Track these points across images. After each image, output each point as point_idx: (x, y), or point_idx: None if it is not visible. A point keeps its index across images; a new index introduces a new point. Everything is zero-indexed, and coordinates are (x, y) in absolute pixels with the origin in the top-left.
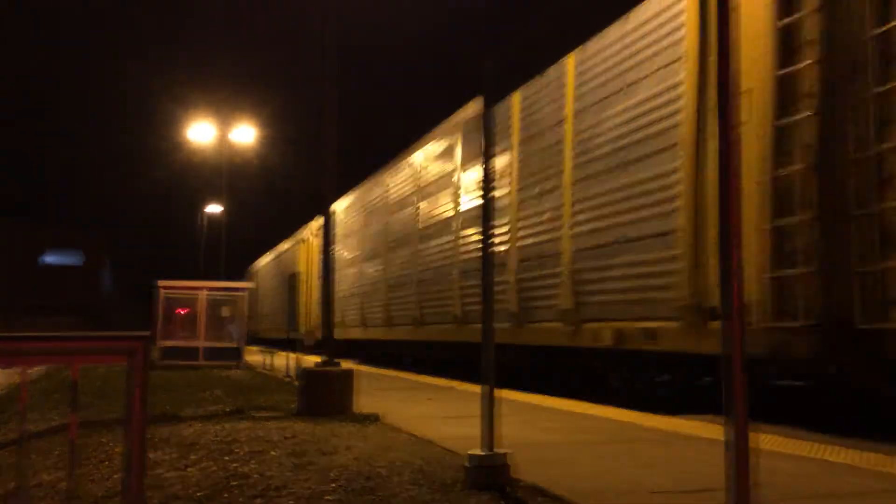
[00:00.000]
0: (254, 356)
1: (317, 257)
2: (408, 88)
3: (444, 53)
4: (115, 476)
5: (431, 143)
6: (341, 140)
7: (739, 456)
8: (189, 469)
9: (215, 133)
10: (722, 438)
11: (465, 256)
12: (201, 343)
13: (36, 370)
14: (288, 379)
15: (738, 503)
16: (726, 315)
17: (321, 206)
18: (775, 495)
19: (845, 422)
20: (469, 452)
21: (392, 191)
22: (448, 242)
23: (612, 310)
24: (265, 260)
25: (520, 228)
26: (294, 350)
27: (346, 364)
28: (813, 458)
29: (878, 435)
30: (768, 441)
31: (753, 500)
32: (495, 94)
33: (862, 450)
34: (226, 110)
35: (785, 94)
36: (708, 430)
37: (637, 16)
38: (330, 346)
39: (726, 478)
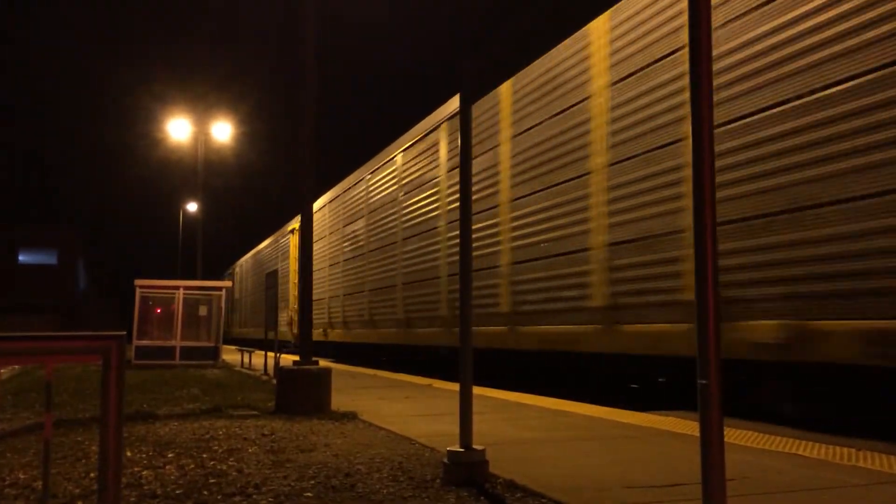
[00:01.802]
0: (232, 355)
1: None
2: (392, 83)
3: (427, 49)
4: (92, 475)
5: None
6: (322, 137)
7: (713, 451)
8: (166, 467)
9: (192, 130)
10: (695, 434)
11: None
12: (178, 342)
13: (10, 369)
14: (266, 377)
15: (711, 498)
16: (701, 313)
17: (300, 205)
18: (747, 490)
19: (818, 418)
20: (448, 449)
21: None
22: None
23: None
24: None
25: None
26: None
27: (323, 363)
28: (785, 452)
29: (851, 430)
30: (739, 436)
31: (726, 494)
32: (475, 93)
33: (834, 444)
34: (202, 107)
35: None
36: (681, 425)
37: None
38: (307, 345)
39: (702, 473)
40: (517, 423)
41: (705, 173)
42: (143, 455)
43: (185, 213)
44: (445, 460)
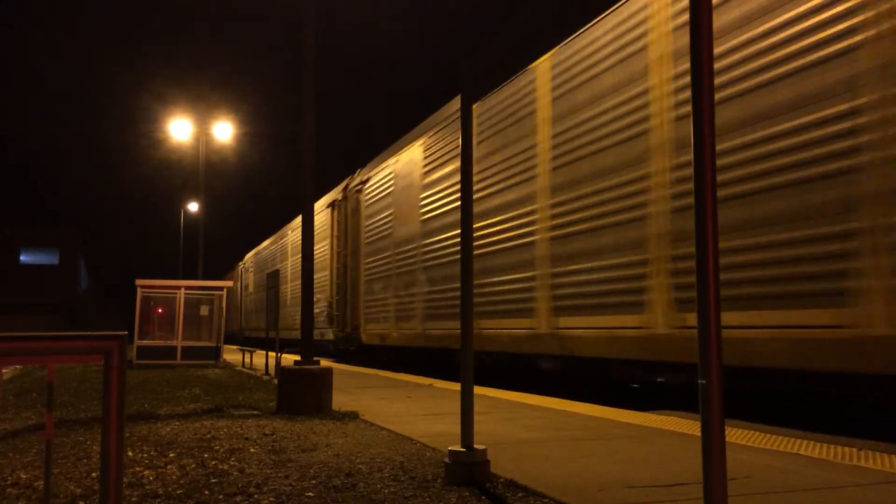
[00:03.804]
0: (233, 354)
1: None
2: (393, 80)
3: (430, 47)
4: (93, 474)
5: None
6: (324, 136)
7: (715, 450)
8: (168, 467)
9: (193, 130)
10: (696, 433)
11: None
12: (179, 342)
13: (11, 369)
14: (267, 377)
15: (712, 497)
16: (701, 313)
17: (301, 205)
18: (748, 489)
19: (819, 418)
20: (449, 449)
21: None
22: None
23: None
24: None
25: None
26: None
27: (324, 362)
28: (786, 452)
29: (851, 429)
30: (740, 436)
31: (727, 494)
32: (475, 93)
33: (835, 444)
34: (204, 107)
35: None
36: (681, 425)
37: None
38: (307, 344)
39: (703, 472)
40: (518, 423)
41: (706, 173)
42: (145, 455)
43: (187, 213)
44: (447, 460)
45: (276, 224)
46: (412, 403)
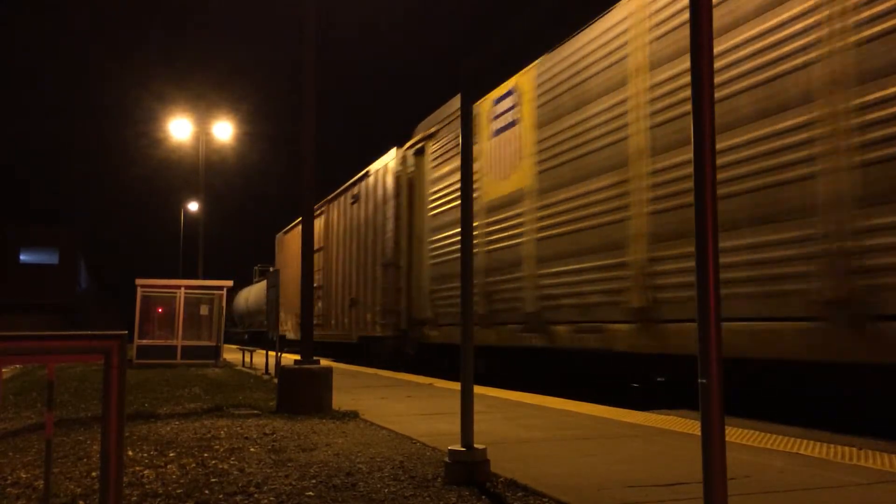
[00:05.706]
0: (233, 354)
1: None
2: (393, 80)
3: (431, 46)
4: (93, 474)
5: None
6: (324, 136)
7: (715, 450)
8: (168, 466)
9: (193, 130)
10: (696, 433)
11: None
12: (179, 342)
13: (11, 369)
14: (267, 377)
15: (712, 496)
16: (701, 313)
17: (300, 205)
18: (748, 489)
19: (819, 416)
20: (449, 448)
21: None
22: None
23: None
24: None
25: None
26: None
27: (324, 362)
28: (785, 451)
29: (851, 429)
30: (740, 435)
31: (727, 493)
32: (475, 93)
33: (835, 444)
34: (204, 106)
35: None
36: (681, 424)
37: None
38: (308, 343)
39: (703, 472)
40: (518, 423)
41: (706, 173)
42: (145, 454)
43: (187, 213)
44: (447, 459)
45: (276, 224)
46: (412, 403)
